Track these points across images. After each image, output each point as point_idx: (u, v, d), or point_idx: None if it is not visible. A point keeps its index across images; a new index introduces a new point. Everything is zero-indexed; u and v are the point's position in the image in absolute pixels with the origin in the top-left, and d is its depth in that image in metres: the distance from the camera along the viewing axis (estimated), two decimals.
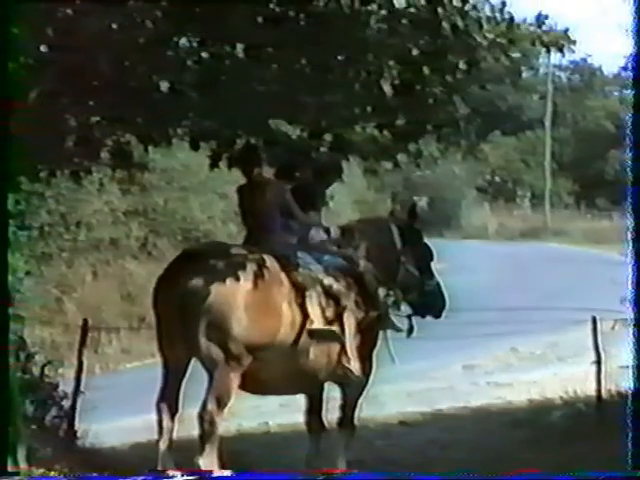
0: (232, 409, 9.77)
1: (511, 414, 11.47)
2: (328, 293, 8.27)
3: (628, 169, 6.93)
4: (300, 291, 8.09)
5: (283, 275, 8.05)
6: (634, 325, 6.82)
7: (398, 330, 8.82)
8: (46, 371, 8.77)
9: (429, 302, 8.99)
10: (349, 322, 8.32)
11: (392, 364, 8.77)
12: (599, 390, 10.00)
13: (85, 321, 10.04)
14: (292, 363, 8.04)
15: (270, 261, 8.02)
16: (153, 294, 8.12)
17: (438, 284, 9.10)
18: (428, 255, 9.10)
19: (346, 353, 8.27)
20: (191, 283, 7.74)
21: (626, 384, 10.30)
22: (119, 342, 17.55)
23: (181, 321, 7.75)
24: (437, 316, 9.11)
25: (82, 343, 9.78)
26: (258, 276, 7.86)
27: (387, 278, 8.77)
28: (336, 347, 8.26)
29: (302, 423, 10.71)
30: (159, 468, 7.77)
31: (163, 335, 7.99)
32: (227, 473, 7.74)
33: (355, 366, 8.35)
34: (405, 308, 8.95)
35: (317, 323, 8.10)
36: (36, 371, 8.78)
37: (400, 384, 13.97)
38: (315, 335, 8.07)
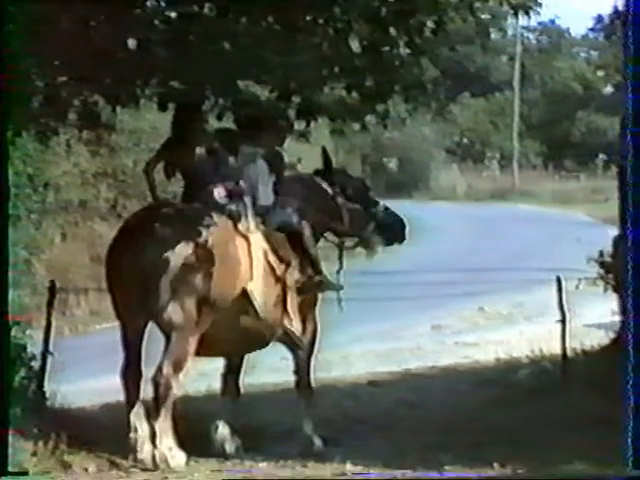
0: (202, 370, 9.83)
1: (478, 373, 11.57)
2: (275, 249, 8.23)
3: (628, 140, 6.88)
4: (248, 242, 8.02)
5: (233, 230, 7.98)
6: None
7: (338, 289, 8.80)
8: (13, 332, 8.74)
9: (389, 228, 8.92)
10: (291, 280, 8.29)
11: (341, 313, 8.75)
12: (564, 348, 10.11)
13: (52, 282, 10.02)
14: (243, 322, 8.01)
15: (218, 216, 7.93)
16: (106, 261, 8.06)
17: (386, 207, 9.05)
18: (361, 186, 9.05)
19: (287, 313, 8.26)
20: (146, 247, 7.65)
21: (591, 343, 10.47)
22: (88, 304, 17.50)
23: (139, 285, 7.67)
24: (402, 238, 9.02)
25: (50, 304, 9.76)
26: (212, 233, 7.78)
27: (337, 226, 8.75)
28: (279, 307, 8.23)
29: (272, 384, 10.83)
30: (132, 433, 7.80)
31: (120, 302, 7.93)
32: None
33: (296, 326, 8.34)
34: (376, 239, 8.89)
35: (257, 272, 7.99)
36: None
37: (368, 344, 14.06)
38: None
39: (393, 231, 9.01)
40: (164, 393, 7.70)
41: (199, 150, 8.20)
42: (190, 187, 8.27)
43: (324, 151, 9.11)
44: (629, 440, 6.53)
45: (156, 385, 7.71)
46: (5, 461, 6.29)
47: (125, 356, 7.97)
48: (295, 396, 8.69)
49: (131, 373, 7.91)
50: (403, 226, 9.04)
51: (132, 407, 7.86)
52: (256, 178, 8.41)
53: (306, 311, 8.52)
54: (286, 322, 8.28)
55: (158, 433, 7.71)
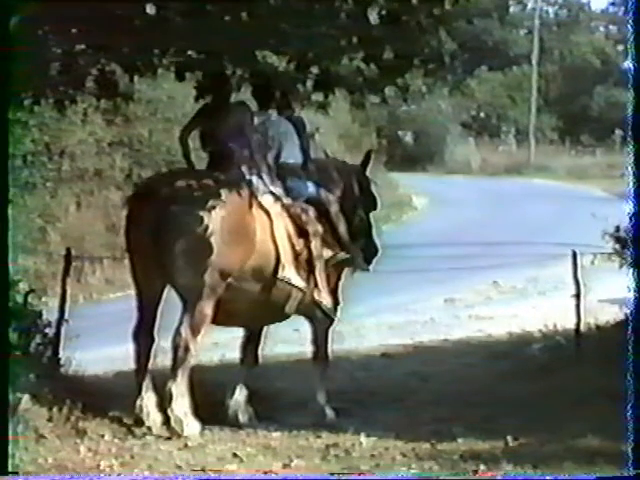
0: (215, 340, 9.87)
1: (491, 347, 11.58)
2: (296, 223, 8.26)
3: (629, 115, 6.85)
4: (270, 218, 8.07)
5: (253, 200, 8.01)
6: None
7: (365, 269, 8.83)
8: (29, 299, 8.79)
9: (371, 249, 8.91)
10: (317, 253, 8.32)
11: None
12: (578, 323, 10.09)
13: (68, 250, 10.05)
14: (263, 293, 8.07)
15: (240, 186, 7.96)
16: (125, 221, 8.10)
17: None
18: (373, 201, 9.05)
19: (317, 286, 8.29)
20: (165, 210, 7.70)
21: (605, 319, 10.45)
22: (102, 272, 17.57)
23: (156, 248, 7.73)
24: (369, 264, 8.94)
25: (65, 272, 9.80)
26: (231, 201, 7.82)
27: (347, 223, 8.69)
28: (311, 280, 8.26)
29: (285, 354, 10.87)
30: (138, 399, 7.85)
31: (137, 264, 7.99)
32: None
33: (327, 299, 8.40)
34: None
35: (285, 255, 8.08)
36: (19, 299, 8.80)
37: (382, 317, 14.08)
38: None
39: (372, 255, 8.92)
40: (183, 356, 7.74)
41: (226, 119, 8.22)
42: (215, 156, 8.30)
43: (369, 152, 9.26)
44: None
45: (175, 347, 7.76)
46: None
47: (138, 319, 8.00)
48: (308, 367, 8.73)
49: (143, 337, 7.95)
50: (375, 253, 8.96)
51: (140, 372, 7.91)
52: (280, 148, 8.47)
53: (333, 284, 8.56)
54: (316, 294, 8.32)
55: (174, 396, 7.75)
